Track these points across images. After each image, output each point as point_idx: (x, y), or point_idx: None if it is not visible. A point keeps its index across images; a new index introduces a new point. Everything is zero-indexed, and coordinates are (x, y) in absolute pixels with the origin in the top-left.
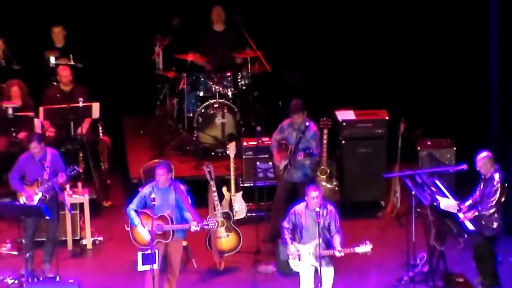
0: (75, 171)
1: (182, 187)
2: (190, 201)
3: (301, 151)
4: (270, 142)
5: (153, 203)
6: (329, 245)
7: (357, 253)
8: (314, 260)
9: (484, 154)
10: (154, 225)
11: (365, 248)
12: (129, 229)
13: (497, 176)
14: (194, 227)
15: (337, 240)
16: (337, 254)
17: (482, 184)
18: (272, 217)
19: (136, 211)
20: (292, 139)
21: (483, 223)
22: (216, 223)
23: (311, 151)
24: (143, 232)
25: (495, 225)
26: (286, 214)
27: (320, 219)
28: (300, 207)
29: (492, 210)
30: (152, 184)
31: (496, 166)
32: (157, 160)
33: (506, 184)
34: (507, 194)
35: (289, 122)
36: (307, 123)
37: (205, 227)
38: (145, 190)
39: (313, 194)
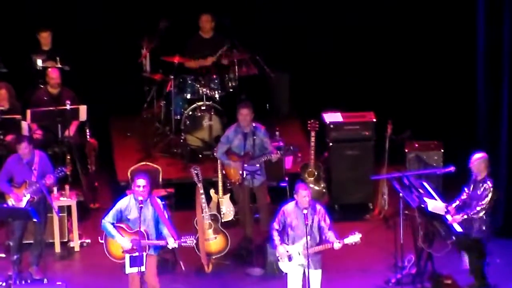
0: (62, 173)
1: (159, 201)
2: (167, 216)
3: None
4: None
5: (129, 217)
6: (319, 244)
7: (345, 255)
8: (304, 260)
9: (480, 155)
10: (131, 240)
11: (354, 238)
12: (103, 241)
13: (489, 182)
14: (171, 243)
15: (332, 236)
16: (336, 246)
17: (472, 186)
18: (245, 226)
19: (112, 224)
20: (247, 144)
21: (471, 224)
22: (194, 241)
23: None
24: (122, 241)
25: (484, 227)
26: (272, 218)
27: (308, 220)
28: (289, 207)
29: (482, 213)
30: (129, 196)
31: (489, 170)
32: (144, 163)
33: (496, 189)
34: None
35: (234, 130)
36: (253, 124)
37: (182, 244)
38: (121, 203)
39: (304, 193)
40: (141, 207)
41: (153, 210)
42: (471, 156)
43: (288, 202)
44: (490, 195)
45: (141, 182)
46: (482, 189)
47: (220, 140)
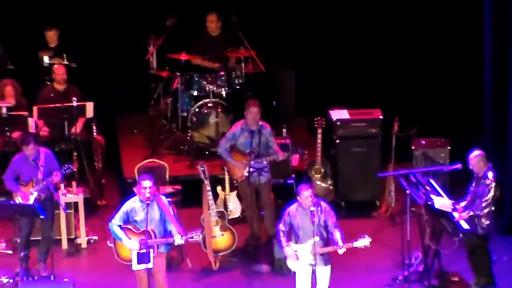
0: (69, 170)
1: (165, 199)
2: (173, 213)
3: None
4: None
5: (136, 218)
6: (327, 242)
7: (352, 252)
8: (312, 259)
9: (476, 152)
10: (138, 241)
11: (363, 241)
12: (112, 245)
13: (490, 174)
14: (178, 240)
15: (337, 236)
16: (340, 251)
17: (474, 182)
18: (251, 223)
19: (119, 226)
20: (253, 142)
21: (476, 222)
22: (200, 236)
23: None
24: (129, 243)
25: (486, 223)
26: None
27: (314, 218)
28: (293, 208)
29: (486, 210)
30: (135, 198)
31: (489, 165)
32: (151, 160)
33: (499, 183)
34: (501, 192)
35: (240, 127)
36: (260, 123)
37: (189, 240)
38: (127, 205)
39: (306, 194)
40: (148, 204)
41: (160, 209)
42: (468, 156)
43: (292, 203)
44: (492, 190)
45: (146, 183)
46: (483, 185)
47: (225, 136)
